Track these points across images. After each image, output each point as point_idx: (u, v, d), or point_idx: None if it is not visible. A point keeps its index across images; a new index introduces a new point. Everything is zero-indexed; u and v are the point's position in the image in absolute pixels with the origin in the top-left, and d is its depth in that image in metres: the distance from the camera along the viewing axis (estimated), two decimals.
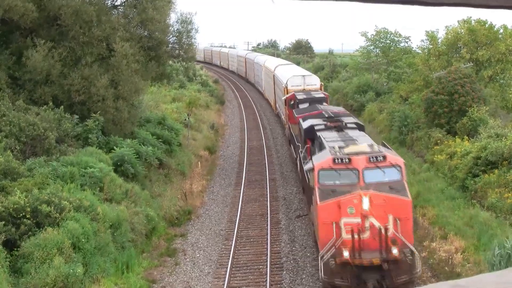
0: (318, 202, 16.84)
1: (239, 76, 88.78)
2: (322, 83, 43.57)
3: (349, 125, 23.44)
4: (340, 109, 31.39)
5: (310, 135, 23.68)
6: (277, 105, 49.23)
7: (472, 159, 26.34)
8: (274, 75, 50.36)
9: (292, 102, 36.68)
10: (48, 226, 16.72)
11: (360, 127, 23.88)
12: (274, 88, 50.36)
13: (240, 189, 29.26)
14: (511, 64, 40.86)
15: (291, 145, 34.23)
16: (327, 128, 23.01)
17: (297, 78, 42.39)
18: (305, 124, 25.09)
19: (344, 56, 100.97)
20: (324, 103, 33.72)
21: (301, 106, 33.48)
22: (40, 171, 19.84)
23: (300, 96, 35.61)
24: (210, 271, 19.80)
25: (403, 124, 37.40)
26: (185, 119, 38.32)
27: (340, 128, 22.80)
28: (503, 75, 41.11)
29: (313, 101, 33.72)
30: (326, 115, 25.90)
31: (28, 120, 22.36)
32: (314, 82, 42.50)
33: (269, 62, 60.82)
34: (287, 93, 39.49)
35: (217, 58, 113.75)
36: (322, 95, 36.35)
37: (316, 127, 23.47)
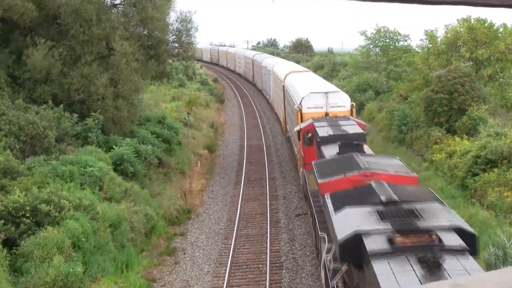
0: None
1: (246, 80, 79.98)
2: (354, 104, 28.90)
3: (450, 245, 9.87)
4: (398, 165, 17.09)
5: (355, 257, 10.87)
6: (288, 127, 36.37)
7: (471, 158, 26.36)
8: (284, 86, 38.67)
9: (309, 136, 24.54)
10: (48, 225, 16.72)
11: (472, 242, 10.34)
12: (285, 103, 38.39)
13: (240, 188, 29.26)
14: (510, 63, 40.90)
15: (307, 206, 22.88)
16: (396, 251, 9.92)
17: (316, 96, 28.34)
18: (342, 227, 11.65)
19: (344, 54, 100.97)
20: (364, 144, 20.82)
21: (326, 150, 20.25)
22: (40, 170, 19.84)
23: (323, 131, 22.24)
24: (210, 270, 19.81)
25: (402, 123, 37.42)
26: (185, 118, 38.32)
27: (436, 262, 9.22)
28: (502, 74, 41.16)
29: (346, 143, 19.62)
30: (384, 197, 12.47)
31: (27, 119, 22.35)
32: (341, 102, 28.17)
33: (279, 67, 48.85)
34: (301, 120, 27.29)
35: (224, 58, 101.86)
36: (359, 130, 22.51)
37: (369, 246, 10.18)
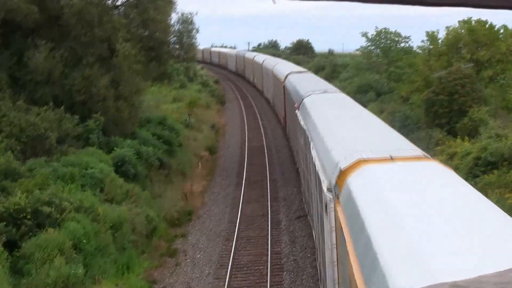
0: None
1: (277, 118, 48.01)
2: None
3: None
4: None
5: None
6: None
7: (472, 160, 26.34)
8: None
9: None
10: (49, 227, 16.74)
11: None
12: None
13: (241, 189, 29.23)
14: (511, 64, 40.90)
15: None
16: None
17: None
18: None
19: (345, 56, 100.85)
20: None
21: None
22: (41, 172, 19.85)
23: None
24: (211, 272, 19.81)
25: (403, 124, 37.40)
26: (186, 120, 38.31)
27: None
28: (503, 75, 41.15)
29: None
30: None
31: (28, 120, 22.37)
32: None
33: (331, 138, 14.84)
34: None
35: (250, 70, 74.01)
36: None
37: None
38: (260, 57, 68.96)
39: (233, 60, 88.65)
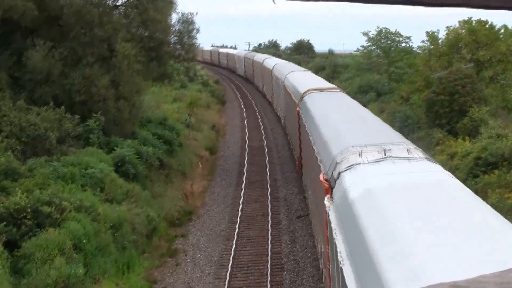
0: None
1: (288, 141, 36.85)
2: None
3: None
4: None
5: None
6: None
7: (472, 160, 26.34)
8: None
9: None
10: (49, 227, 16.74)
11: None
12: None
13: (241, 189, 29.23)
14: (511, 64, 40.91)
15: None
16: None
17: None
18: None
19: (345, 56, 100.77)
20: None
21: None
22: (41, 172, 19.84)
23: None
24: (211, 272, 19.81)
25: (404, 124, 37.42)
26: (186, 119, 38.29)
27: None
28: (504, 75, 41.16)
29: None
30: None
31: (29, 120, 22.36)
32: None
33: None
34: None
35: (259, 76, 64.32)
36: None
37: None
38: (270, 61, 56.25)
39: (241, 62, 78.36)
